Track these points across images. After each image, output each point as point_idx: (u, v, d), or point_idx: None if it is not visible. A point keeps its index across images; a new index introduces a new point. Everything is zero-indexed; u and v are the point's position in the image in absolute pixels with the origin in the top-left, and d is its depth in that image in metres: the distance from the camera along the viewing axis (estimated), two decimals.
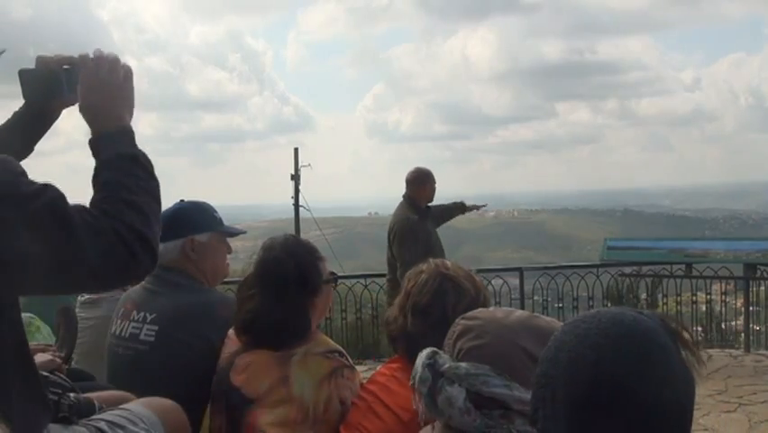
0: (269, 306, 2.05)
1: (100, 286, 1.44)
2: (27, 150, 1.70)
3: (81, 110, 1.53)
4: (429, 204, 6.01)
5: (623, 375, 0.93)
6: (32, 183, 1.30)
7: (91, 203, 1.41)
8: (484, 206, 6.33)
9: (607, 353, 0.94)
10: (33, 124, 1.68)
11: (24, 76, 1.56)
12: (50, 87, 1.57)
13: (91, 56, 1.54)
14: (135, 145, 1.52)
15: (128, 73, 1.57)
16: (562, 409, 0.97)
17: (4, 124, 1.68)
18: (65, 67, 1.57)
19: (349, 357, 2.13)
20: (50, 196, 1.29)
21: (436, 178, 6.00)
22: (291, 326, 2.06)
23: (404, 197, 5.95)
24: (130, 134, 1.53)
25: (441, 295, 1.87)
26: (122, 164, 1.46)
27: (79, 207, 1.35)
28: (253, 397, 2.01)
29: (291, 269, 2.09)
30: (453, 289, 1.89)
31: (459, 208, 6.37)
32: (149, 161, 1.52)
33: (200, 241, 2.49)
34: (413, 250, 5.56)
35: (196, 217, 2.53)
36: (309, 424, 1.95)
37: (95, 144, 1.50)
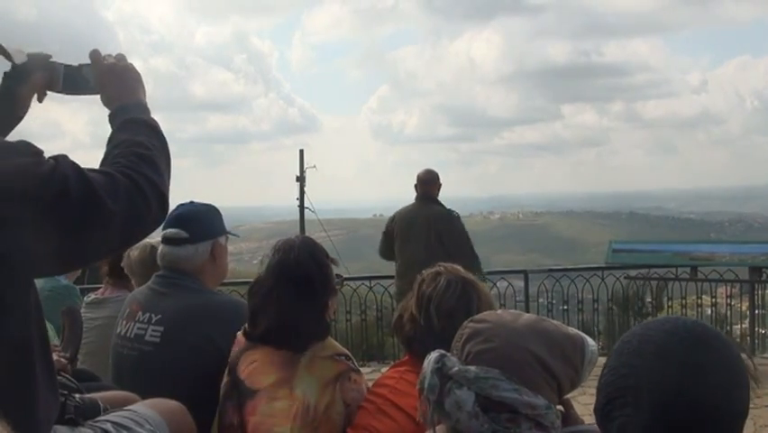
0: (292, 307, 2.05)
1: (129, 237, 1.49)
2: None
3: (102, 97, 1.64)
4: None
5: (710, 369, 1.02)
6: (48, 160, 1.34)
7: (105, 160, 1.49)
8: None
9: (695, 349, 1.03)
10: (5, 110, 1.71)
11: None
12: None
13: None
14: (149, 114, 1.63)
15: (131, 63, 1.69)
16: (647, 396, 1.01)
17: None
18: (69, 64, 1.63)
19: (355, 361, 2.13)
20: (67, 166, 1.33)
21: (441, 180, 6.08)
22: (313, 327, 2.08)
23: (427, 195, 5.93)
24: (144, 107, 1.64)
25: (466, 299, 1.90)
26: (134, 126, 1.57)
27: (92, 169, 1.41)
28: (256, 388, 2.02)
29: (314, 270, 2.11)
30: (476, 294, 1.93)
31: None
32: (160, 128, 1.62)
33: (221, 243, 2.55)
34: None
35: (216, 220, 2.58)
36: (309, 420, 1.95)
37: (113, 116, 1.60)
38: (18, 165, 1.27)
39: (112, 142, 1.53)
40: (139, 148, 1.50)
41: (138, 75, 1.67)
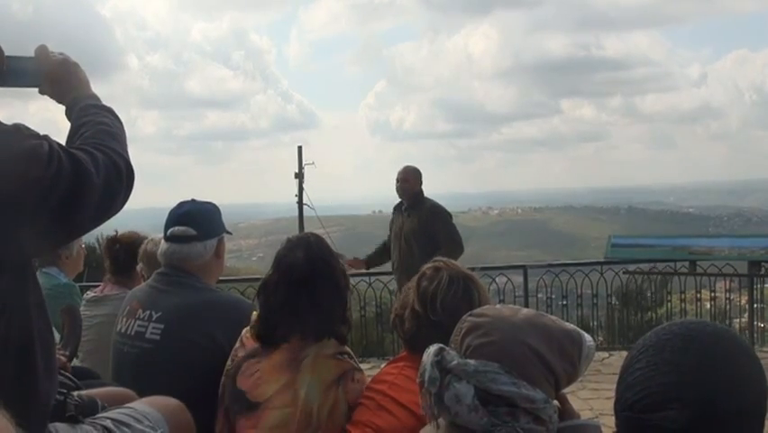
0: (316, 307, 2.05)
1: (105, 211, 1.52)
2: None
3: (54, 89, 1.69)
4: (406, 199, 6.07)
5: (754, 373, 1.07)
6: (43, 141, 1.38)
7: (71, 140, 1.55)
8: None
9: (741, 354, 1.08)
10: None
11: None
12: None
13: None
14: (101, 102, 1.71)
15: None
16: (692, 393, 1.03)
17: None
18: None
19: (356, 359, 2.13)
20: (56, 145, 1.39)
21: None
22: (335, 326, 2.08)
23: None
24: (98, 98, 1.72)
25: (468, 295, 1.91)
26: (95, 110, 1.65)
27: (69, 146, 1.47)
28: (259, 401, 2.00)
29: (336, 267, 2.12)
30: (477, 290, 1.94)
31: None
32: (117, 114, 1.70)
33: (223, 241, 2.58)
34: None
35: (219, 218, 2.59)
36: (312, 428, 1.95)
37: (71, 105, 1.67)
38: (26, 148, 1.32)
39: (76, 126, 1.59)
40: (104, 126, 1.57)
41: (85, 73, 1.73)
